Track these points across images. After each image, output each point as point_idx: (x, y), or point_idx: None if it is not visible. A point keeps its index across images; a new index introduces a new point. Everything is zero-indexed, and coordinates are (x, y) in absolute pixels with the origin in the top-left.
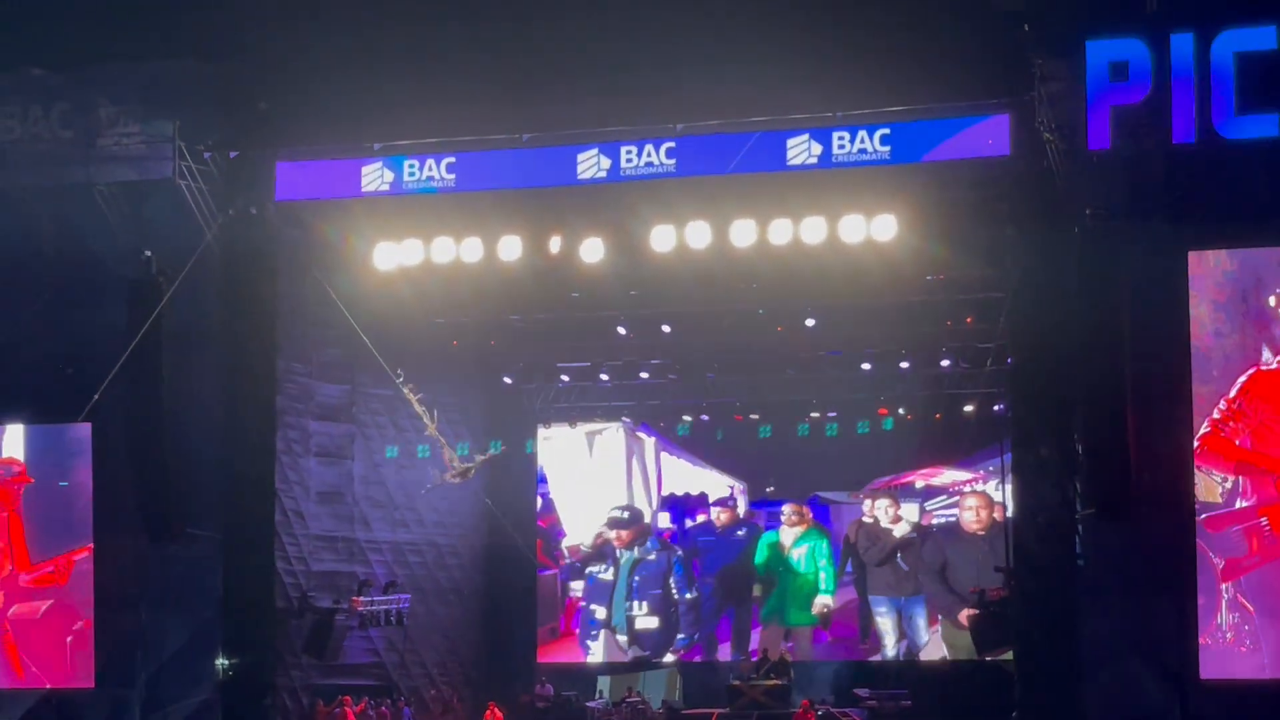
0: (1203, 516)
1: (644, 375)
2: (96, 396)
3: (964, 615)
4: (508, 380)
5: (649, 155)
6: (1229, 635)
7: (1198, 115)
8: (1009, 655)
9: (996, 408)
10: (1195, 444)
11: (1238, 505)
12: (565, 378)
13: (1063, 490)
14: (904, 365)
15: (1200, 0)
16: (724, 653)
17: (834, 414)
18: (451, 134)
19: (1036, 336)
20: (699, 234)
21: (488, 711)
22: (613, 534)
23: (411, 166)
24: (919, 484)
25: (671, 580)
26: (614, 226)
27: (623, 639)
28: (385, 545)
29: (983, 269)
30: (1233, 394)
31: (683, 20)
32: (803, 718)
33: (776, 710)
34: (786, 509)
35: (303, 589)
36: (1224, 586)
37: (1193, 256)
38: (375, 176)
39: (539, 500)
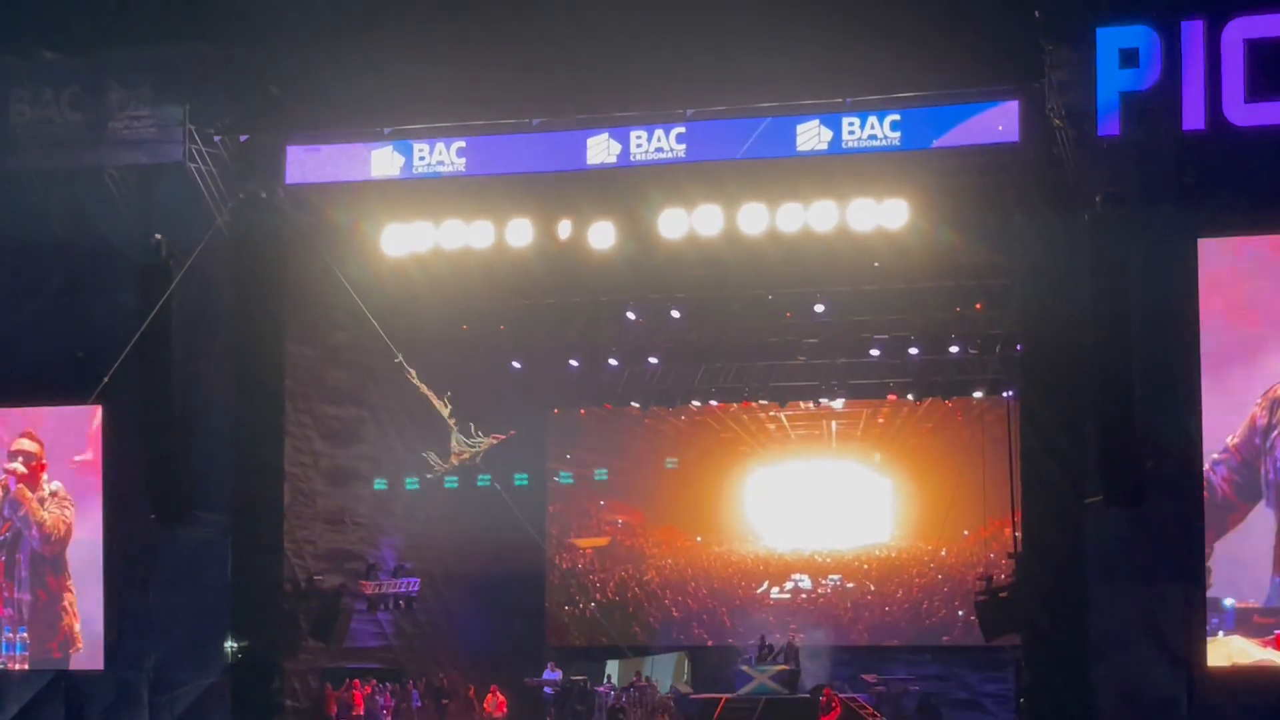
0: None
1: (653, 360)
2: (106, 379)
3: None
4: (516, 365)
5: (659, 140)
6: None
7: (1208, 102)
8: (1016, 641)
9: (1005, 394)
10: None
11: None
12: (574, 363)
13: (1071, 476)
14: (913, 351)
15: None
16: None
17: (841, 399)
18: (462, 118)
19: (1046, 323)
20: (708, 219)
21: (489, 695)
22: None
23: (421, 151)
24: None
25: None
26: (624, 212)
27: None
28: (394, 529)
29: (992, 255)
30: None
31: (693, 5)
32: (827, 704)
33: (785, 695)
34: None
35: (311, 572)
36: None
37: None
38: (385, 161)
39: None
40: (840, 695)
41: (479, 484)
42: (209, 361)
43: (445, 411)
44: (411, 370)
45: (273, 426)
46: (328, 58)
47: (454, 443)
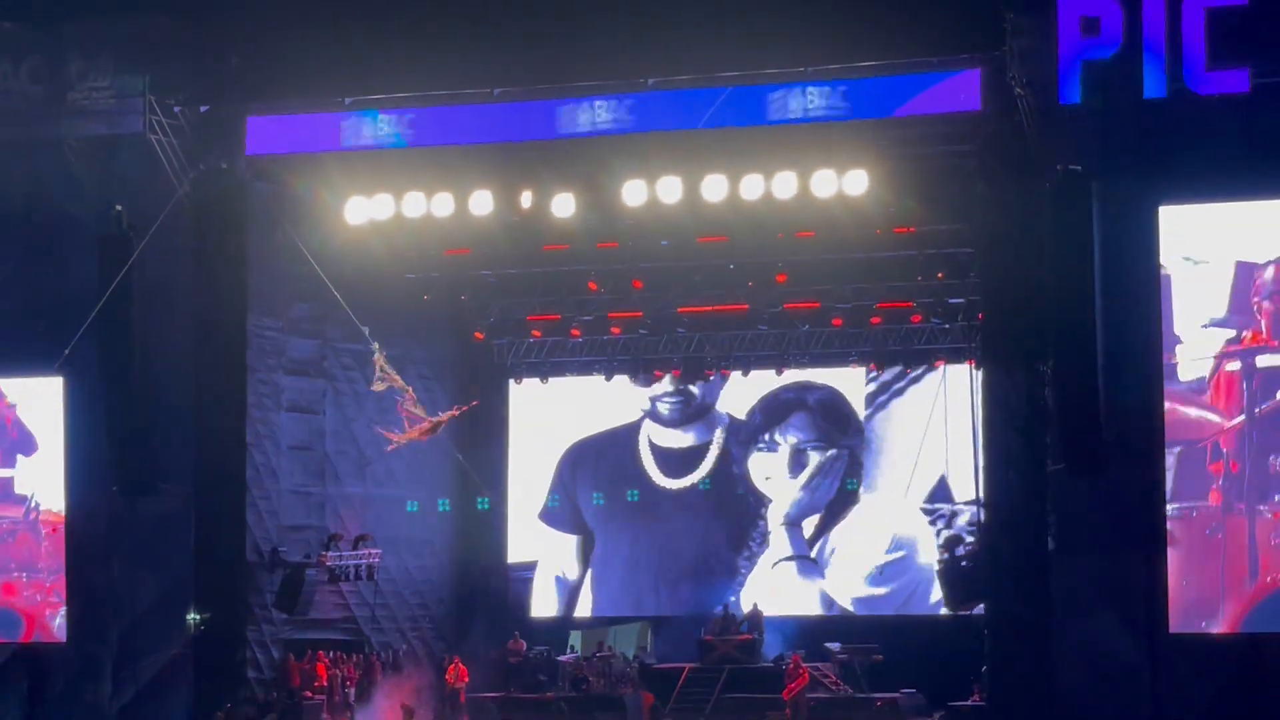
0: None
1: (615, 330)
2: (68, 351)
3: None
4: (479, 335)
5: (621, 110)
6: None
7: (1168, 70)
8: (980, 609)
9: (967, 362)
10: None
11: None
12: (536, 332)
13: (1033, 445)
14: (875, 320)
15: None
16: None
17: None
18: (423, 89)
19: (1007, 291)
20: (670, 189)
21: (451, 666)
22: None
23: (383, 121)
24: None
25: None
26: (585, 181)
27: None
28: (356, 499)
29: (954, 224)
30: None
31: None
32: (794, 672)
33: (748, 664)
34: None
35: (274, 543)
36: None
37: None
38: (346, 131)
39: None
40: (802, 664)
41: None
42: (170, 333)
43: (384, 381)
44: (376, 344)
45: (235, 398)
46: (288, 29)
47: (415, 413)
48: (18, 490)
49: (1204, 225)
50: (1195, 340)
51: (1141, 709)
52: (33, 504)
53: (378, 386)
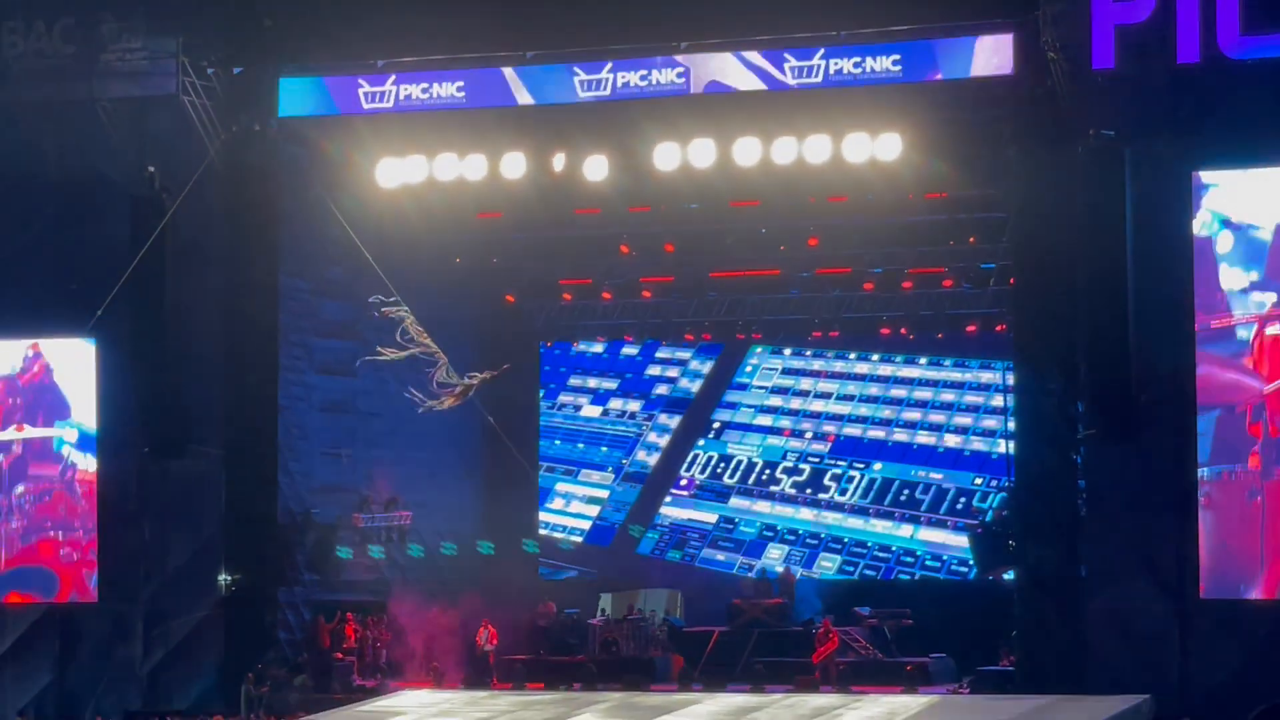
0: None
1: (646, 294)
2: (100, 312)
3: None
4: (510, 298)
5: (653, 73)
6: None
7: (1202, 35)
8: (1010, 574)
9: (999, 328)
10: None
11: None
12: (567, 296)
13: (1065, 410)
14: (906, 285)
15: None
16: None
17: (835, 333)
18: (456, 51)
19: (1039, 257)
20: (703, 152)
21: (481, 629)
22: None
23: (415, 83)
24: None
25: None
26: (617, 144)
27: None
28: (388, 461)
29: (986, 189)
30: None
31: None
32: (824, 636)
33: (778, 628)
34: None
35: (305, 505)
36: None
37: None
38: (379, 93)
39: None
40: (833, 628)
41: None
42: (202, 294)
43: (423, 343)
44: (404, 307)
45: (267, 359)
46: None
47: (447, 378)
48: (56, 450)
49: (1243, 189)
50: (1235, 304)
51: (1171, 674)
52: (69, 463)
53: (396, 355)
